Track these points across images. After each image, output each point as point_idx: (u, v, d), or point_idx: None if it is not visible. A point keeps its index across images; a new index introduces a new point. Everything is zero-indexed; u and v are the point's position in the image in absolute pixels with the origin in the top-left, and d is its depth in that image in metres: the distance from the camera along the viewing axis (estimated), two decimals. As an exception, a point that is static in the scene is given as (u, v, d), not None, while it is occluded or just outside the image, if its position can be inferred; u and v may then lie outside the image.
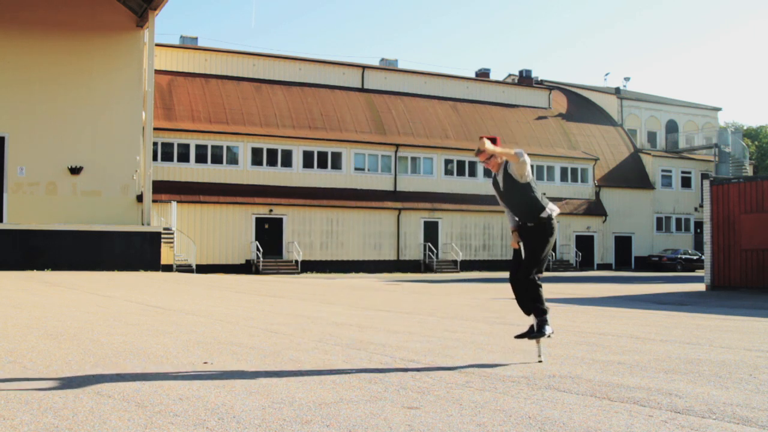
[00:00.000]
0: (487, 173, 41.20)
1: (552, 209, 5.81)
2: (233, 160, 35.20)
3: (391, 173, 38.58)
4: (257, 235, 34.66)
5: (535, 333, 5.75)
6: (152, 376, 4.93)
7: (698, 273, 35.47)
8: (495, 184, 5.97)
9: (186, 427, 3.59)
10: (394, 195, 38.24)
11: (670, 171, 47.59)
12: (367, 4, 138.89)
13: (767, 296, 17.38)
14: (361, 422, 3.74)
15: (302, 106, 38.38)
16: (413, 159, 39.32)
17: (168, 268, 26.15)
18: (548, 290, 21.71)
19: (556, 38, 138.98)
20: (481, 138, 5.81)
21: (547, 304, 5.84)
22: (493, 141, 5.79)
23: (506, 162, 5.79)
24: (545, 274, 6.02)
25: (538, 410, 4.11)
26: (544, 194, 5.93)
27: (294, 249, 34.81)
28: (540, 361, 5.80)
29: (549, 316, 5.79)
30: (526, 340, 6.06)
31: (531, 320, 5.86)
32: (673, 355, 6.50)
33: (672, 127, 50.49)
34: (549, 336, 5.77)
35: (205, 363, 5.54)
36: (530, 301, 5.78)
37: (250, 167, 35.31)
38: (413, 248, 38.35)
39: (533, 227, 5.78)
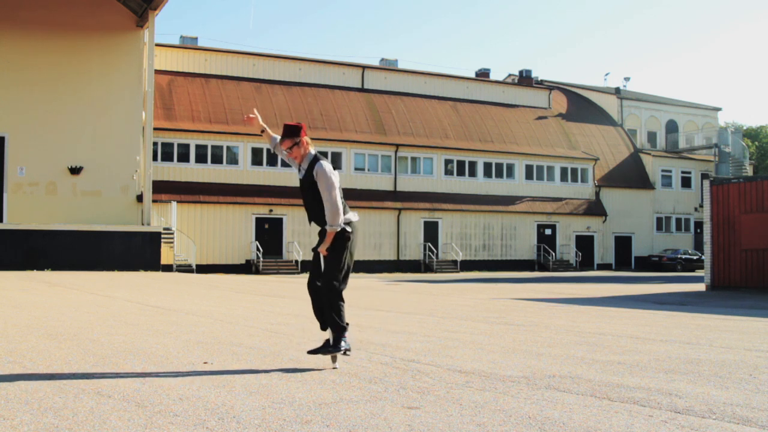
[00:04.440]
0: (487, 173, 41.23)
1: (348, 219, 5.37)
2: (233, 160, 35.20)
3: (391, 173, 38.58)
4: (257, 235, 34.66)
5: (331, 348, 5.34)
6: (152, 376, 4.93)
7: (698, 273, 35.48)
8: (299, 172, 5.52)
9: (186, 427, 3.59)
10: (394, 195, 38.25)
11: (670, 171, 47.59)
12: (367, 4, 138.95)
13: (767, 296, 17.38)
14: (361, 422, 3.74)
15: (302, 106, 38.39)
16: (413, 159, 39.32)
17: (168, 268, 26.14)
18: (549, 290, 21.51)
19: (556, 38, 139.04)
20: (284, 135, 5.39)
21: (346, 321, 5.41)
22: (298, 128, 5.39)
23: (312, 161, 5.38)
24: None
25: (538, 410, 4.11)
26: (343, 200, 5.43)
27: (294, 249, 34.81)
28: (335, 368, 5.36)
29: (348, 333, 5.39)
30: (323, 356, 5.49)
31: (327, 334, 5.46)
32: (673, 355, 6.50)
33: (672, 127, 50.49)
34: (345, 353, 5.37)
35: (205, 363, 5.54)
36: (329, 314, 5.34)
37: (250, 167, 35.32)
38: (413, 248, 38.35)
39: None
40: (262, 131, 5.85)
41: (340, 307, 5.36)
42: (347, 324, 5.42)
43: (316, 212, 5.40)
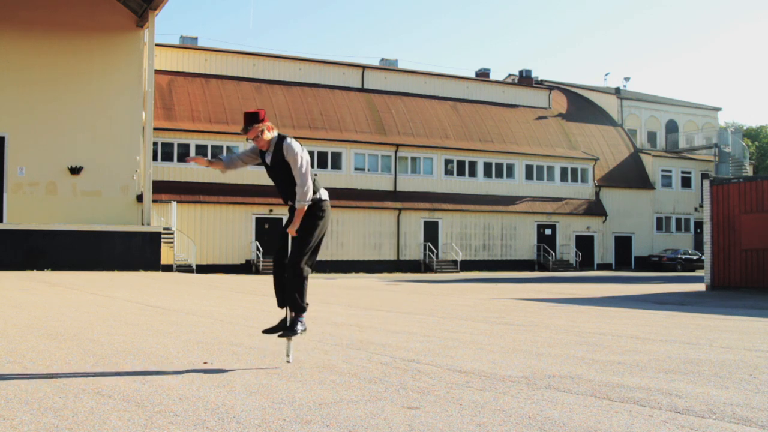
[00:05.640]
0: (487, 173, 41.22)
1: (322, 194, 5.37)
2: (233, 160, 35.16)
3: (391, 173, 38.57)
4: (257, 235, 34.65)
5: (288, 330, 5.29)
6: (152, 376, 4.93)
7: (698, 273, 35.47)
8: (262, 158, 5.46)
9: (186, 427, 3.59)
10: (394, 195, 38.23)
11: (670, 171, 47.58)
12: (367, 4, 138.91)
13: (767, 296, 17.38)
14: (361, 422, 3.74)
15: (302, 106, 38.38)
16: (413, 159, 39.31)
17: (168, 268, 26.14)
18: (549, 290, 21.51)
19: (556, 38, 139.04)
20: (247, 124, 5.26)
21: (307, 301, 5.36)
22: (257, 115, 5.25)
23: (277, 143, 5.29)
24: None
25: (538, 410, 4.10)
26: (316, 175, 5.41)
27: (294, 249, 34.78)
28: (288, 362, 5.34)
29: (306, 314, 5.33)
30: (291, 337, 5.40)
31: (283, 313, 5.41)
32: (673, 355, 6.50)
33: (672, 127, 50.49)
34: (301, 333, 5.31)
35: (205, 363, 5.54)
36: (291, 292, 5.26)
37: (250, 167, 35.26)
38: (413, 248, 38.34)
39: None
40: (210, 163, 5.56)
41: (304, 287, 5.29)
42: (307, 304, 5.36)
43: (291, 191, 5.32)
